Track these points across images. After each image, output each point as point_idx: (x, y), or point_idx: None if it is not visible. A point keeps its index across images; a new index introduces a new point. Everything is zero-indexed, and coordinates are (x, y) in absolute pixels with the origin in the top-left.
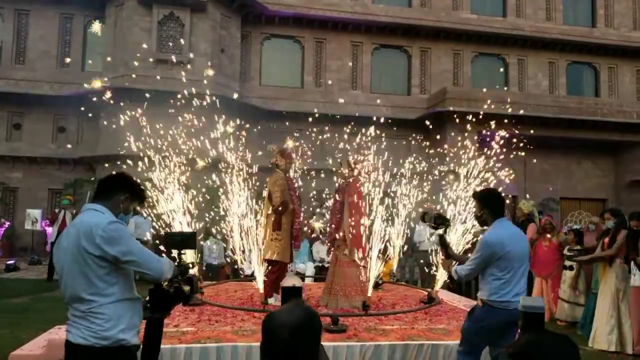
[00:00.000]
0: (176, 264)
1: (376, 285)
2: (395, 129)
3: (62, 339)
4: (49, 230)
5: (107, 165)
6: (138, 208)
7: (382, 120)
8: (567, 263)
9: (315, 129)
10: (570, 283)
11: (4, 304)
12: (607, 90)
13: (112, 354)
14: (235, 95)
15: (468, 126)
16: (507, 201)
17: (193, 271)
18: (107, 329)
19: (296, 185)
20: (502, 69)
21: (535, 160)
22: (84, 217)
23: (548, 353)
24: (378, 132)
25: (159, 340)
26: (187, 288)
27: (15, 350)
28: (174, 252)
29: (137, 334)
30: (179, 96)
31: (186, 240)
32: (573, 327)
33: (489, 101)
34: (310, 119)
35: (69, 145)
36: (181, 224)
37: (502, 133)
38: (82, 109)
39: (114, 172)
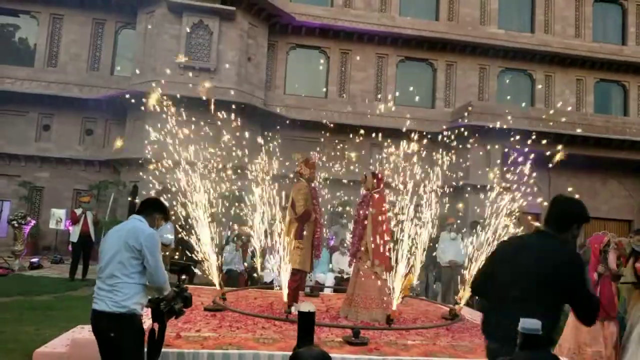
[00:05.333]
0: (176, 287)
1: None
2: (419, 142)
3: (84, 338)
4: (72, 229)
5: (130, 168)
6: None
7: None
8: None
9: (337, 139)
10: None
11: (28, 301)
12: (637, 109)
13: (125, 318)
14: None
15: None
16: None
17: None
18: (125, 299)
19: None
20: (529, 85)
21: (561, 179)
22: (135, 223)
23: None
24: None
25: (159, 343)
26: (178, 306)
27: (40, 348)
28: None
29: (143, 308)
30: (205, 102)
31: (185, 268)
32: None
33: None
34: (332, 129)
35: (96, 148)
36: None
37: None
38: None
39: (153, 196)
